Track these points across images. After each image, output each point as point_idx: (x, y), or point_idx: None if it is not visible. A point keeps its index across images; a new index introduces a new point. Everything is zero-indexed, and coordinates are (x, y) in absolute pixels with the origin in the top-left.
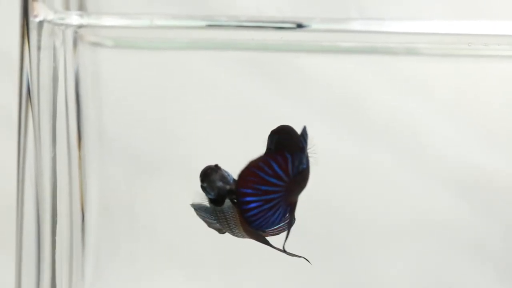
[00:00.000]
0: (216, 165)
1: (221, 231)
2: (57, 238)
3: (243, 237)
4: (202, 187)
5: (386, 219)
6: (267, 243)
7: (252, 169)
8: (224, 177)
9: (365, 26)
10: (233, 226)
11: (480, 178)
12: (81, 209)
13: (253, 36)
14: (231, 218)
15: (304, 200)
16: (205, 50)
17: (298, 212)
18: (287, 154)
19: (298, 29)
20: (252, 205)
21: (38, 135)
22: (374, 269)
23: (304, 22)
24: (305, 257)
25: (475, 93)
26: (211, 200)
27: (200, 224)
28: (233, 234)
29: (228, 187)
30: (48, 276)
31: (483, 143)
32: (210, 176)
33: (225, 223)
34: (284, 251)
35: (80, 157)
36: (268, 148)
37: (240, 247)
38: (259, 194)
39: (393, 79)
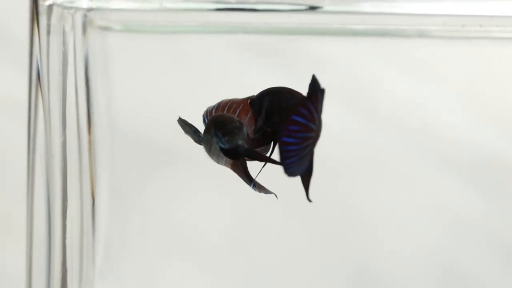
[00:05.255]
0: (240, 122)
1: (198, 141)
2: (68, 223)
3: (224, 165)
4: (215, 134)
5: (394, 203)
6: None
7: (294, 118)
8: (245, 136)
9: (376, 8)
10: (222, 160)
11: (491, 162)
12: (91, 194)
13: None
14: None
15: (314, 184)
16: (215, 34)
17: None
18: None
19: (311, 11)
20: (291, 154)
21: (48, 120)
22: (384, 252)
23: (316, 4)
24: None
25: (487, 77)
26: (222, 150)
27: (211, 210)
28: (216, 161)
29: (246, 146)
30: (59, 261)
31: (494, 128)
32: (236, 134)
33: (214, 154)
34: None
35: (90, 142)
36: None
37: (252, 236)
38: (299, 142)
39: (404, 62)
